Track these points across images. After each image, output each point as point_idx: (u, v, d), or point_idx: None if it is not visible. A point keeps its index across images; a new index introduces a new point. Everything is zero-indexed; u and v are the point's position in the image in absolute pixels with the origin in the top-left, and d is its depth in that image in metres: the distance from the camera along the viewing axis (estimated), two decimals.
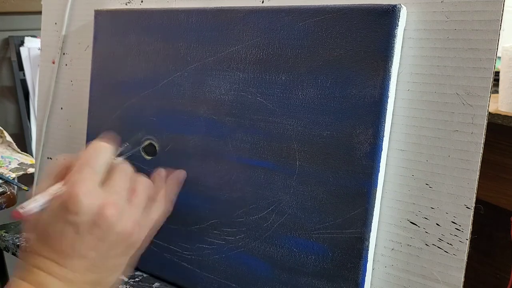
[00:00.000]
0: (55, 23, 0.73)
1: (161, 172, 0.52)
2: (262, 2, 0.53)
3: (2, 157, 1.00)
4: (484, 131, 0.41)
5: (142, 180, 0.47)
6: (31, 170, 0.94)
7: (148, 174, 0.58)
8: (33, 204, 0.40)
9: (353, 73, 0.44)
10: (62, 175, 0.43)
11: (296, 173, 0.48)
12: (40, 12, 0.75)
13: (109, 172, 0.44)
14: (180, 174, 0.53)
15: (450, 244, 0.43)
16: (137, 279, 0.58)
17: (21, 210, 0.39)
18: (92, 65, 0.64)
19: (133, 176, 0.46)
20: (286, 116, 0.48)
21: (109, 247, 0.41)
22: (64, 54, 0.72)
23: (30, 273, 0.39)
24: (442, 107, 0.43)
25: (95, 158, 0.43)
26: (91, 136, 0.64)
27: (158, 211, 0.48)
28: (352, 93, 0.44)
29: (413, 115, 0.44)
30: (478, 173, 0.41)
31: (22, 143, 1.86)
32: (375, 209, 0.44)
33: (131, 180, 0.45)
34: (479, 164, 0.41)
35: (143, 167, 0.58)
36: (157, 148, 0.57)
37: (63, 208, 0.39)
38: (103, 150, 0.44)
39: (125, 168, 0.46)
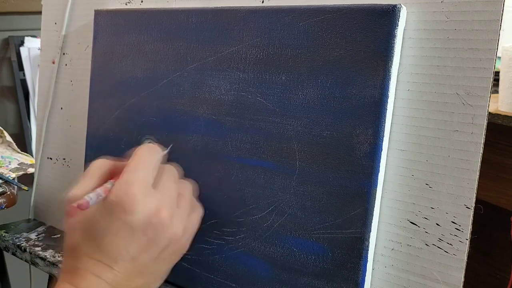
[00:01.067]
0: (55, 23, 0.73)
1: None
2: (262, 2, 0.53)
3: (2, 157, 1.00)
4: (484, 131, 0.41)
5: (188, 184, 0.47)
6: (31, 170, 0.94)
7: None
8: (88, 198, 0.39)
9: (353, 73, 0.44)
10: (106, 177, 0.43)
11: (296, 173, 0.48)
12: (40, 12, 0.75)
13: (158, 174, 0.43)
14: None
15: (450, 244, 0.43)
16: None
17: (79, 201, 0.38)
18: (92, 65, 0.64)
19: (179, 180, 0.46)
20: (286, 116, 0.48)
21: (160, 250, 0.40)
22: (64, 54, 0.72)
23: (78, 276, 0.38)
24: (442, 107, 0.43)
25: (148, 159, 0.43)
26: (91, 136, 0.64)
27: (198, 216, 0.48)
28: (352, 93, 0.44)
29: (413, 115, 0.44)
30: (478, 173, 0.41)
31: (22, 143, 1.86)
32: (375, 209, 0.44)
33: (178, 183, 0.45)
34: (479, 164, 0.41)
35: None
36: None
37: (118, 207, 0.39)
38: (155, 152, 0.45)
39: (173, 171, 0.46)
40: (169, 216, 0.40)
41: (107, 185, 0.42)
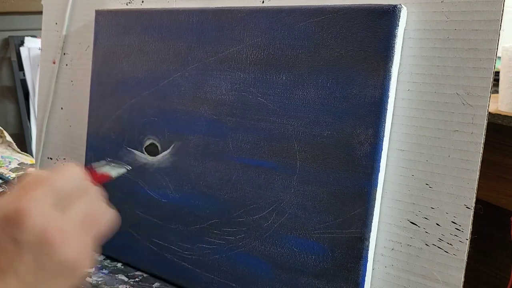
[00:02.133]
0: (56, 23, 0.73)
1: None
2: (263, 2, 0.53)
3: (2, 157, 1.00)
4: (484, 131, 0.41)
5: (106, 211, 0.44)
6: (31, 170, 0.94)
7: (151, 173, 0.58)
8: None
9: (354, 73, 0.44)
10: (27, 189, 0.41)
11: (296, 173, 0.48)
12: (40, 12, 0.75)
13: (72, 197, 0.41)
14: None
15: (450, 244, 0.43)
16: (137, 279, 0.58)
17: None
18: (93, 65, 0.64)
19: (98, 205, 0.43)
20: (287, 116, 0.48)
21: (50, 272, 0.39)
22: (64, 54, 0.72)
23: None
24: (442, 107, 0.43)
25: (59, 180, 0.41)
26: (91, 136, 0.64)
27: (106, 228, 0.45)
28: (352, 93, 0.44)
29: (413, 115, 0.44)
30: (478, 173, 0.41)
31: (22, 143, 1.86)
32: (375, 209, 0.44)
33: (93, 207, 0.43)
34: (479, 164, 0.41)
35: (145, 167, 0.58)
36: (159, 148, 0.57)
37: (9, 222, 0.38)
38: (73, 173, 0.42)
39: (91, 195, 0.43)
40: (61, 239, 0.38)
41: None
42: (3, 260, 0.38)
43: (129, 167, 0.48)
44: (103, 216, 0.43)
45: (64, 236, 0.39)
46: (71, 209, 0.41)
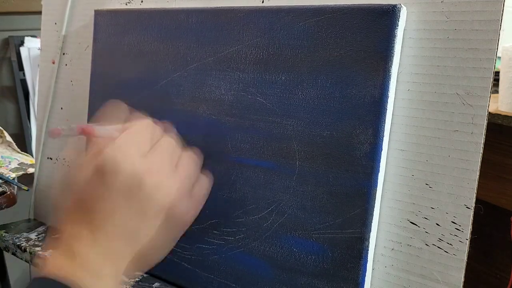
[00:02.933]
0: (55, 23, 0.73)
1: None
2: (262, 2, 0.53)
3: (2, 157, 1.00)
4: (484, 131, 0.41)
5: (187, 154, 0.45)
6: (31, 170, 0.94)
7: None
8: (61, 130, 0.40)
9: (353, 73, 0.44)
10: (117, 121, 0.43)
11: (296, 173, 0.48)
12: (40, 12, 0.75)
13: (154, 145, 0.42)
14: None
15: (450, 244, 0.43)
16: (137, 279, 0.58)
17: (51, 128, 0.38)
18: (92, 65, 0.64)
19: (178, 150, 0.45)
20: (286, 116, 0.48)
21: (149, 218, 0.39)
22: (64, 54, 0.72)
23: (62, 242, 0.38)
24: (442, 107, 0.43)
25: (145, 133, 0.42)
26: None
27: (203, 187, 0.46)
28: (352, 93, 0.44)
29: (413, 115, 0.44)
30: (478, 173, 0.41)
31: (22, 143, 1.86)
32: (375, 209, 0.44)
33: (175, 154, 0.44)
34: (479, 164, 0.41)
35: None
36: None
37: (101, 170, 0.38)
38: (155, 131, 0.44)
39: (170, 142, 0.44)
40: (156, 182, 0.39)
41: (89, 127, 0.42)
42: (100, 209, 0.38)
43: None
44: (186, 160, 0.45)
45: (158, 178, 0.40)
46: (156, 155, 0.42)
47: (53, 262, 0.37)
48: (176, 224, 0.42)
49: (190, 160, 0.45)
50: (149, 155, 0.41)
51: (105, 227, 0.38)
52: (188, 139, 0.55)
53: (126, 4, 0.65)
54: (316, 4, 0.47)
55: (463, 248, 0.42)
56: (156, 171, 0.40)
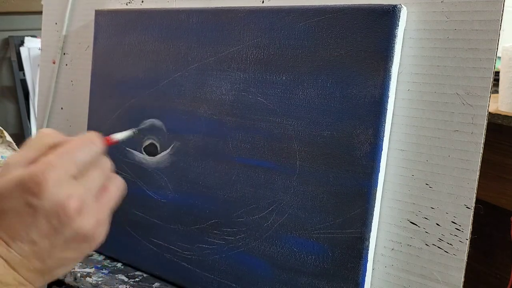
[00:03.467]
0: (56, 23, 0.73)
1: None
2: (263, 2, 0.53)
3: (2, 157, 1.00)
4: (484, 131, 0.41)
5: (117, 181, 0.44)
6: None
7: (150, 173, 0.58)
8: None
9: (354, 73, 0.44)
10: (47, 150, 0.41)
11: (296, 173, 0.48)
12: (40, 12, 0.75)
13: (87, 166, 0.41)
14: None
15: (450, 244, 0.43)
16: (137, 279, 0.58)
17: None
18: (93, 65, 0.64)
19: (110, 174, 0.44)
20: (287, 116, 0.48)
21: (64, 241, 0.39)
22: (64, 54, 0.72)
23: None
24: (442, 107, 0.43)
25: (80, 150, 0.41)
26: None
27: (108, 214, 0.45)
28: (352, 93, 0.44)
29: (413, 115, 0.44)
30: (478, 173, 0.41)
31: (22, 143, 1.86)
32: (375, 209, 0.44)
33: (106, 177, 0.43)
34: (479, 164, 0.41)
35: (144, 167, 0.58)
36: (158, 148, 0.57)
37: (26, 188, 0.37)
38: (92, 144, 0.43)
39: (104, 164, 0.43)
40: (79, 207, 0.38)
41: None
42: (17, 224, 0.38)
43: (135, 130, 0.54)
44: (116, 186, 0.44)
45: (81, 207, 0.39)
46: (88, 179, 0.41)
47: None
48: (86, 249, 0.41)
49: (119, 186, 0.44)
50: (75, 181, 0.40)
51: (22, 244, 0.38)
52: (189, 139, 0.55)
53: (126, 4, 0.65)
54: (317, 4, 0.47)
55: (463, 248, 0.42)
56: (75, 197, 0.39)
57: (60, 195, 0.38)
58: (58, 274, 0.41)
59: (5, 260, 0.37)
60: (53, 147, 0.41)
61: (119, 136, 0.48)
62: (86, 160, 0.41)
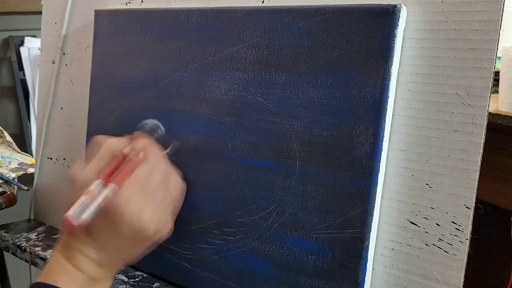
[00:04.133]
0: (55, 23, 0.73)
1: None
2: (262, 2, 0.53)
3: (2, 157, 1.00)
4: (484, 131, 0.41)
5: (177, 182, 0.51)
6: (31, 170, 0.94)
7: None
8: (85, 214, 0.44)
9: (353, 73, 0.44)
10: (115, 158, 0.48)
11: (296, 173, 0.48)
12: (40, 12, 0.75)
13: (151, 173, 0.48)
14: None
15: (450, 244, 0.43)
16: (137, 279, 0.58)
17: (75, 223, 0.43)
18: (92, 65, 0.64)
19: (169, 174, 0.50)
20: (286, 116, 0.48)
21: (141, 243, 0.47)
22: (64, 54, 0.72)
23: (70, 254, 0.46)
24: (442, 107, 0.43)
25: (151, 175, 0.48)
26: (91, 136, 0.64)
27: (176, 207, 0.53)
28: (352, 93, 0.44)
29: (413, 115, 0.44)
30: (478, 173, 0.41)
31: (22, 143, 1.86)
32: (375, 209, 0.44)
33: (166, 178, 0.50)
34: (479, 164, 0.41)
35: None
36: None
37: (109, 215, 0.44)
38: (159, 169, 0.49)
39: (177, 182, 0.51)
40: (151, 220, 0.46)
41: (108, 192, 0.45)
42: (110, 243, 0.46)
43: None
44: (177, 187, 0.51)
45: (152, 216, 0.46)
46: (152, 190, 0.47)
47: (55, 268, 0.46)
48: (148, 240, 0.48)
49: (179, 187, 0.52)
50: (143, 194, 0.46)
51: (108, 250, 0.47)
52: (188, 139, 0.55)
53: (126, 4, 0.65)
54: (316, 4, 0.47)
55: (463, 248, 0.42)
56: (147, 211, 0.46)
57: (139, 217, 0.45)
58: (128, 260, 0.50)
59: (96, 262, 0.46)
60: (118, 156, 0.48)
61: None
62: (155, 184, 0.48)
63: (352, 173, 0.44)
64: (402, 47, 0.44)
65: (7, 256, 0.77)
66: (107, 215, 0.45)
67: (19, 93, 1.94)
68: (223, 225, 0.52)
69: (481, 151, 0.41)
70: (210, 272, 0.53)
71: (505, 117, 1.07)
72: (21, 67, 1.96)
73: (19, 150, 1.07)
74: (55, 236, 0.70)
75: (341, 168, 0.45)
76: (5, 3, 1.96)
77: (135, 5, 0.64)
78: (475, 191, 0.41)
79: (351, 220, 0.45)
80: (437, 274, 0.43)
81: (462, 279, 0.42)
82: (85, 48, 0.69)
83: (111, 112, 0.62)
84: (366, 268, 0.44)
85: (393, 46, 0.43)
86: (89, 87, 0.65)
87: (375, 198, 0.44)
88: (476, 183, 0.41)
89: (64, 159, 0.72)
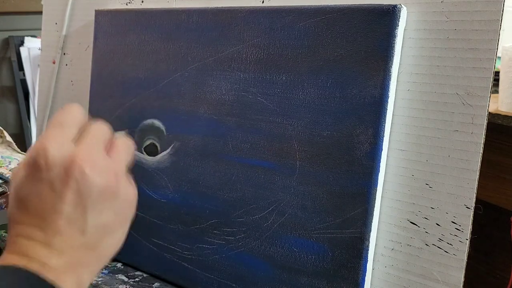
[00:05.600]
0: (56, 23, 0.73)
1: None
2: (263, 2, 0.53)
3: (2, 157, 1.00)
4: (484, 131, 0.41)
5: (122, 139, 0.43)
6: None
7: (150, 173, 0.58)
8: None
9: (354, 73, 0.44)
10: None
11: (296, 173, 0.48)
12: (40, 12, 0.75)
13: (83, 130, 0.40)
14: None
15: (450, 244, 0.43)
16: (137, 279, 0.58)
17: None
18: (92, 65, 0.64)
19: (111, 134, 0.42)
20: (287, 116, 0.48)
21: (92, 201, 0.37)
22: (64, 54, 0.72)
23: (13, 243, 0.36)
24: (442, 107, 0.43)
25: (66, 116, 0.40)
26: None
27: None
28: (352, 93, 0.44)
29: (413, 115, 0.44)
30: (478, 173, 0.41)
31: (22, 143, 1.86)
32: (375, 209, 0.44)
33: (107, 136, 0.41)
34: (479, 164, 0.41)
35: (144, 167, 0.58)
36: (158, 148, 0.57)
37: (33, 165, 0.36)
38: (75, 109, 0.42)
39: (100, 127, 0.41)
40: (91, 162, 0.37)
41: None
42: (43, 204, 0.36)
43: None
44: (122, 141, 0.42)
45: (91, 161, 0.37)
46: (88, 139, 0.39)
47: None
48: (122, 209, 0.40)
49: (126, 143, 0.43)
50: (79, 140, 0.38)
51: (55, 222, 0.36)
52: (188, 139, 0.55)
53: (126, 4, 0.65)
54: (316, 4, 0.47)
55: (463, 248, 0.42)
56: (80, 155, 0.37)
57: (64, 156, 0.36)
58: (109, 248, 0.39)
59: (44, 245, 0.35)
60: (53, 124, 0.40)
61: None
62: (76, 122, 0.40)
63: (352, 173, 0.44)
64: (402, 47, 0.44)
65: None
66: (33, 172, 0.36)
67: (19, 93, 1.94)
68: (223, 225, 0.52)
69: (481, 151, 0.41)
70: (210, 272, 0.53)
71: (505, 117, 1.08)
72: (21, 67, 1.96)
73: (19, 150, 1.07)
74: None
75: (341, 168, 0.45)
76: (5, 3, 1.96)
77: (135, 5, 0.64)
78: (475, 191, 0.41)
79: (351, 220, 0.45)
80: (437, 274, 0.43)
81: (462, 279, 0.42)
82: (85, 48, 0.69)
83: (111, 112, 0.62)
84: (366, 268, 0.44)
85: (393, 46, 0.43)
86: (89, 87, 0.65)
87: (375, 198, 0.44)
88: (476, 183, 0.41)
89: None
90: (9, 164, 0.96)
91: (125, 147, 0.42)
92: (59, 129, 0.39)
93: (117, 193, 0.39)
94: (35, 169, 0.36)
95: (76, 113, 0.42)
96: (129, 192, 0.40)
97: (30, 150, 0.38)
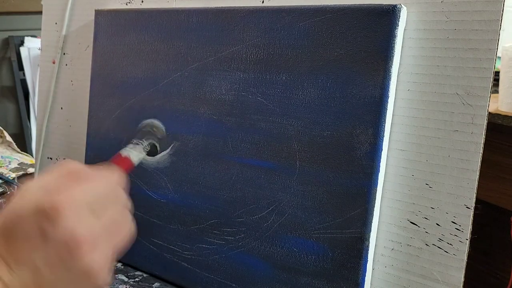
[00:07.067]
0: (56, 23, 0.73)
1: None
2: (262, 2, 0.53)
3: (2, 157, 1.00)
4: (484, 131, 0.41)
5: (130, 224, 0.42)
6: (31, 170, 0.94)
7: (150, 173, 0.58)
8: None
9: (354, 73, 0.44)
10: (63, 181, 0.39)
11: (296, 173, 0.48)
12: (40, 12, 0.75)
13: (108, 202, 0.40)
14: None
15: (450, 244, 0.43)
16: (137, 279, 0.58)
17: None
18: (92, 65, 0.64)
19: (125, 216, 0.42)
20: (287, 116, 0.48)
21: (69, 276, 0.37)
22: (64, 54, 0.72)
23: None
24: (442, 107, 0.43)
25: (100, 182, 0.40)
26: (91, 136, 0.64)
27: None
28: (352, 93, 0.44)
29: (413, 115, 0.44)
30: (478, 173, 0.41)
31: (22, 143, 1.86)
32: (375, 209, 0.44)
33: (121, 218, 0.41)
34: (479, 164, 0.41)
35: (144, 167, 0.58)
36: (158, 148, 0.57)
37: (44, 213, 0.36)
38: (112, 178, 0.41)
39: (123, 202, 0.42)
40: (91, 247, 0.37)
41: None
42: (24, 248, 0.35)
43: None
44: (127, 227, 0.42)
45: (94, 244, 0.37)
46: (104, 215, 0.39)
47: None
48: (92, 286, 0.39)
49: (131, 229, 0.42)
50: (92, 215, 0.38)
51: (24, 271, 0.35)
52: (188, 139, 0.55)
53: (126, 4, 0.65)
54: (316, 4, 0.47)
55: (463, 248, 0.42)
56: (89, 237, 0.37)
57: (74, 228, 0.36)
58: None
59: (5, 283, 0.35)
60: (75, 177, 0.39)
61: (135, 159, 0.48)
62: (105, 196, 0.40)
63: (352, 173, 0.44)
64: (402, 47, 0.44)
65: None
66: (36, 214, 0.35)
67: (19, 93, 1.95)
68: (223, 225, 0.52)
69: (481, 151, 0.41)
70: (210, 272, 0.53)
71: (505, 117, 1.08)
72: (21, 67, 1.96)
73: (19, 150, 1.07)
74: None
75: (341, 168, 0.45)
76: (5, 3, 1.96)
77: (135, 5, 0.64)
78: (475, 191, 0.41)
79: (351, 220, 0.45)
80: (437, 274, 0.43)
81: (462, 279, 0.42)
82: (85, 48, 0.69)
83: (111, 112, 0.62)
84: (366, 268, 0.44)
85: (393, 46, 0.43)
86: (89, 87, 0.65)
87: (375, 198, 0.44)
88: (476, 183, 0.41)
89: (64, 159, 0.72)
90: (9, 164, 0.96)
91: (127, 235, 0.41)
92: (89, 197, 0.38)
93: (95, 278, 0.38)
94: (42, 215, 0.35)
95: (111, 182, 0.41)
96: (104, 278, 0.39)
97: (50, 195, 0.36)
